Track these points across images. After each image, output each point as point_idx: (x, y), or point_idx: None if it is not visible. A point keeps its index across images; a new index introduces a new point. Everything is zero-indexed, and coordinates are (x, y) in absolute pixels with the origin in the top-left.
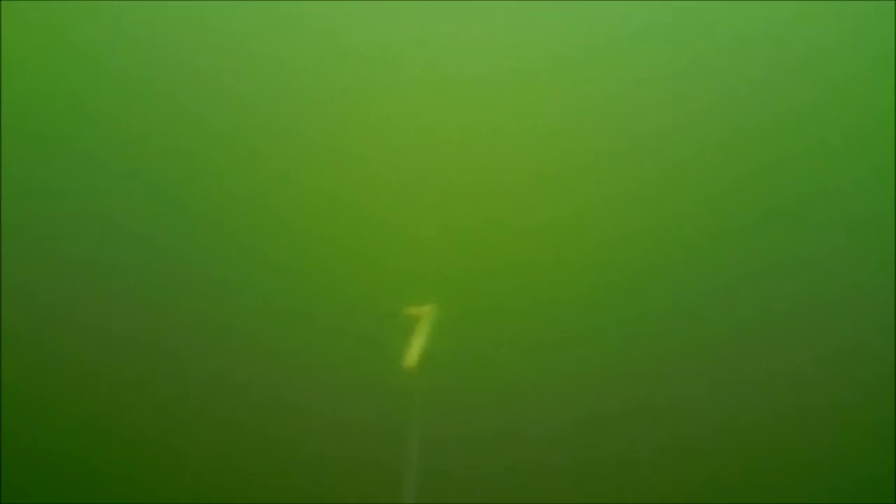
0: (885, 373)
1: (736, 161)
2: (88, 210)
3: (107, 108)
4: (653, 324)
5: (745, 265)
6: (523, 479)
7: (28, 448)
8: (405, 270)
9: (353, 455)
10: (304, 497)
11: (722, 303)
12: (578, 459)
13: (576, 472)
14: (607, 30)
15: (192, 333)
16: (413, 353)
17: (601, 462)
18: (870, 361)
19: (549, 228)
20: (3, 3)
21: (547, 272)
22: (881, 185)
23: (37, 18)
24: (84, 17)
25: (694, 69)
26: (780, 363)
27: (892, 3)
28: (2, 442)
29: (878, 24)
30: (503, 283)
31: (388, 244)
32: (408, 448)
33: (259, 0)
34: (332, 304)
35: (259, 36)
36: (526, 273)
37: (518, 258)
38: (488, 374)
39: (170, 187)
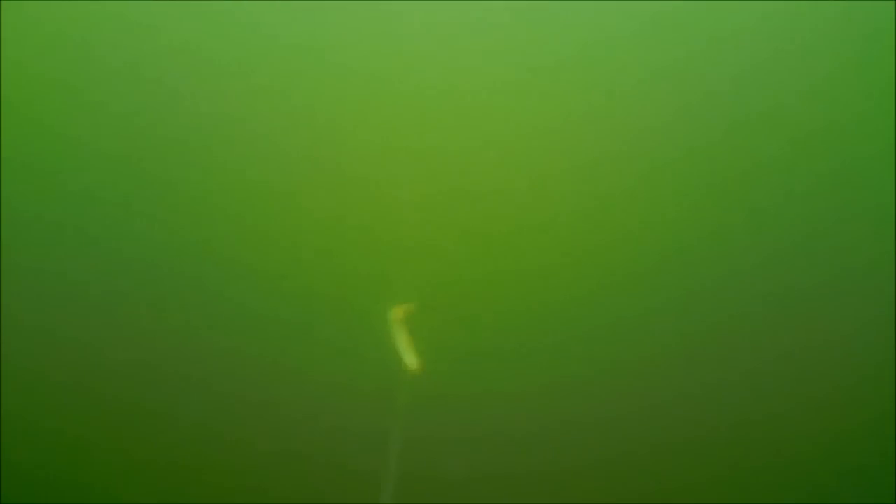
0: (887, 369)
1: (729, 161)
2: (81, 228)
3: (85, 129)
4: (647, 325)
5: (740, 265)
6: (511, 482)
7: (30, 472)
8: (393, 275)
9: (336, 458)
10: (287, 499)
11: (717, 305)
12: (563, 462)
13: (562, 474)
14: (599, 31)
15: (180, 343)
16: (410, 354)
17: (590, 463)
18: (871, 357)
19: (540, 233)
20: (2, 3)
21: (538, 276)
22: (880, 180)
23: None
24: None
25: (688, 70)
26: (776, 361)
27: (892, 1)
28: (2, 453)
29: (877, 19)
30: (491, 288)
31: (377, 250)
32: (391, 451)
33: (245, 5)
34: (317, 310)
35: (243, 47)
36: (515, 277)
37: (507, 263)
38: (473, 378)
39: (159, 203)
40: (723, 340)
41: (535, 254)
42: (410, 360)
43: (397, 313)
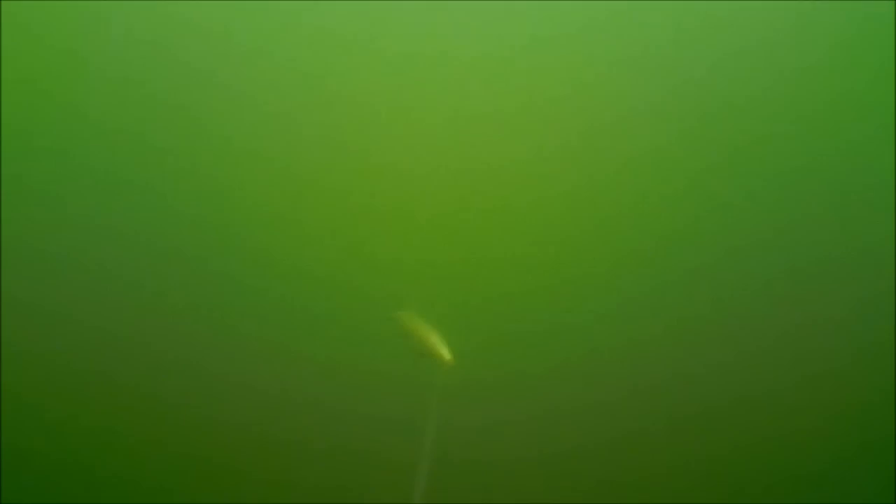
0: (887, 360)
1: (720, 144)
2: (92, 215)
3: (104, 109)
4: (651, 307)
5: (753, 248)
6: (523, 469)
7: (33, 456)
8: (408, 264)
9: (360, 448)
10: (313, 492)
11: (711, 292)
12: (571, 447)
13: (567, 459)
14: (601, 31)
15: (202, 334)
16: (440, 347)
17: (604, 444)
18: (872, 348)
19: (546, 220)
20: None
21: (552, 261)
22: (881, 170)
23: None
24: (80, 24)
25: (689, 70)
26: (781, 345)
27: (892, 2)
28: (2, 446)
29: (877, 19)
30: (497, 277)
31: (393, 239)
32: (424, 438)
33: (249, 5)
34: (338, 301)
35: (254, 35)
36: (530, 263)
37: (522, 249)
38: (488, 366)
39: (169, 187)
40: (716, 329)
41: (548, 240)
42: (443, 352)
43: (406, 317)
